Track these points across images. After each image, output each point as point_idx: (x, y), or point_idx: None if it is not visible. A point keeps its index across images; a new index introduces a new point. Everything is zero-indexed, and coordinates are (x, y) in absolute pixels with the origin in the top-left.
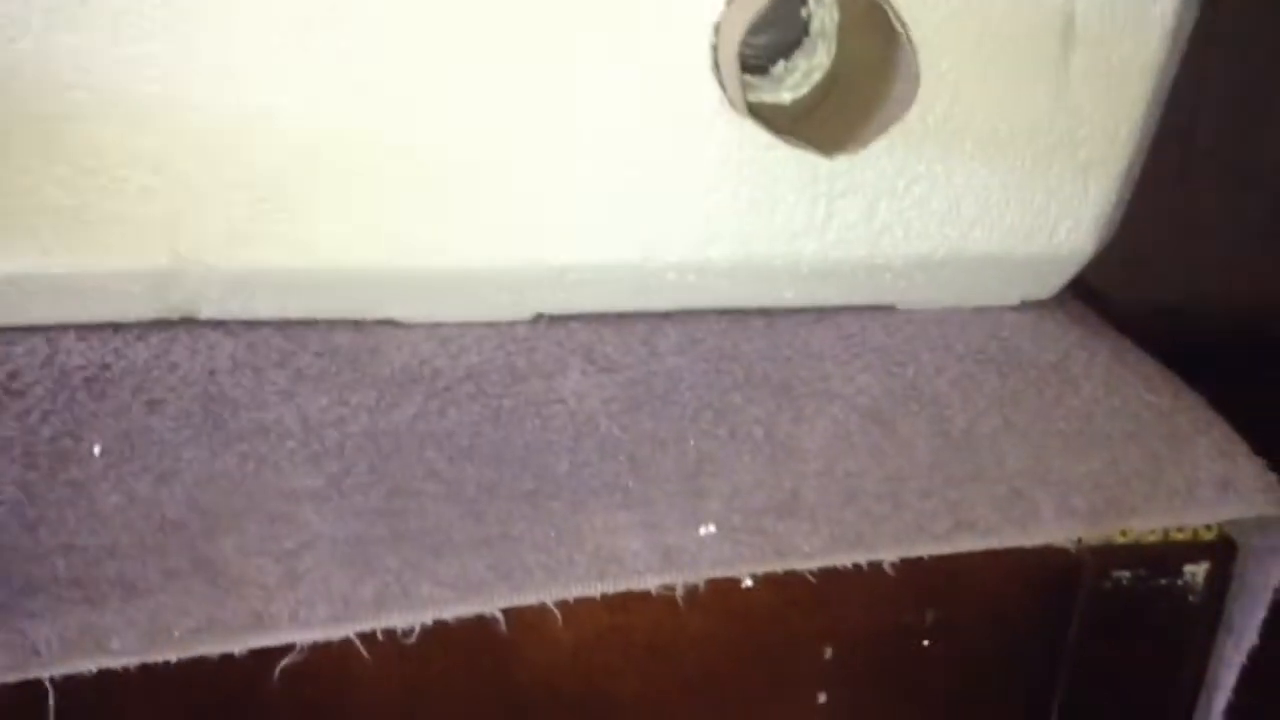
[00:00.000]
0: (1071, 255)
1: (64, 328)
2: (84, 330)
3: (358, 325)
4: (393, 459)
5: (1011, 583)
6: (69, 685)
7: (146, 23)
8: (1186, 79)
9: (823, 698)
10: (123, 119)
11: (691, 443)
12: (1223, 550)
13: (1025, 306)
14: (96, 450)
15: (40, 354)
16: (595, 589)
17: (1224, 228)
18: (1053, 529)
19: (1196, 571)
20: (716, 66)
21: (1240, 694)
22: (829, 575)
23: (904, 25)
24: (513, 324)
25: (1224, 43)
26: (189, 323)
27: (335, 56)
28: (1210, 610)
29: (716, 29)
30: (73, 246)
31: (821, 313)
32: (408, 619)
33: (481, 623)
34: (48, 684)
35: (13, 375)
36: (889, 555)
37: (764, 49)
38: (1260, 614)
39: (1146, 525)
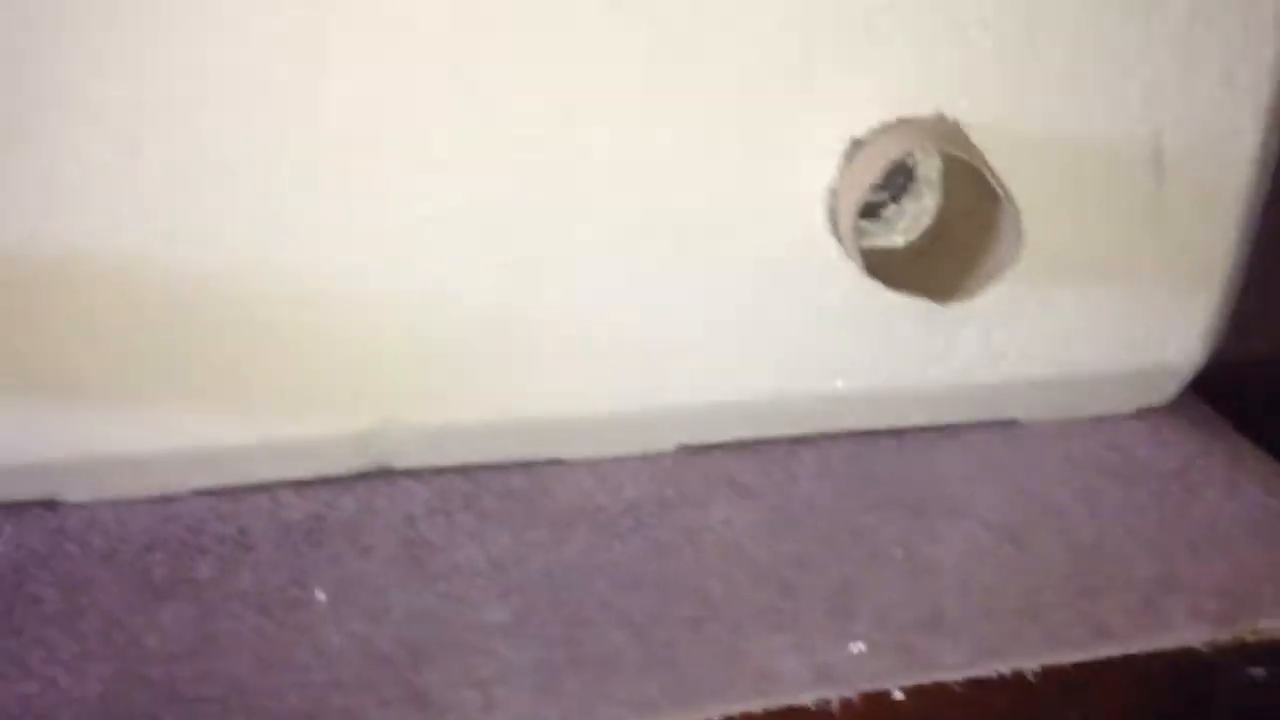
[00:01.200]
0: (1183, 365)
1: (283, 484)
2: (300, 485)
3: (527, 467)
4: (567, 591)
5: (1150, 683)
6: None
7: (345, 233)
8: None
9: None
10: (332, 309)
11: (834, 565)
12: None
13: (1143, 413)
14: (321, 596)
15: (264, 509)
16: (757, 705)
17: None
18: (1185, 633)
19: None
20: (835, 228)
21: None
22: (974, 684)
23: (1004, 188)
24: (659, 455)
25: None
26: (386, 473)
27: (501, 247)
28: None
29: (834, 194)
30: (291, 417)
31: (948, 429)
32: None
33: None
34: None
35: (243, 531)
36: (1029, 664)
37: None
38: None
39: (1277, 624)
